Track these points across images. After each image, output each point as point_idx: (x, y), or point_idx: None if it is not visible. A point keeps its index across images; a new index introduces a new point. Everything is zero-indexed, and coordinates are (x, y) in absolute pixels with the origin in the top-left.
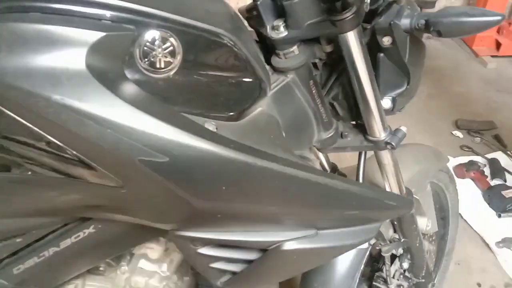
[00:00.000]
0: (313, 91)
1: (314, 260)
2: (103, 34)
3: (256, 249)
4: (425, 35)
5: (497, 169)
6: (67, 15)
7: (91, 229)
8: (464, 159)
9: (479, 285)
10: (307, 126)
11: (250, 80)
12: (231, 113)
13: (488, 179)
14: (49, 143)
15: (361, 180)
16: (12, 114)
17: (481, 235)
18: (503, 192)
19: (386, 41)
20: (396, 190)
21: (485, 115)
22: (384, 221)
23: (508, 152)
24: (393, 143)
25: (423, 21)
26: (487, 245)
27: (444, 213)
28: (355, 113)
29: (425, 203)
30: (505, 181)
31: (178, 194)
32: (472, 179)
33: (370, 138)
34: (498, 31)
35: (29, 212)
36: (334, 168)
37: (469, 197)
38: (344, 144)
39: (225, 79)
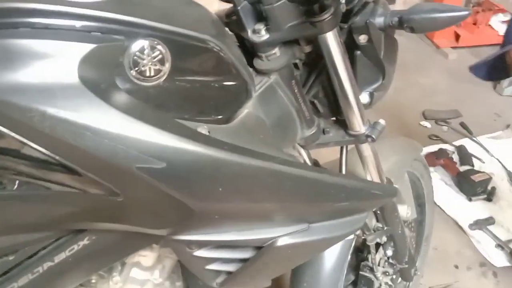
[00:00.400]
0: (295, 91)
1: (307, 254)
2: (93, 46)
3: (251, 247)
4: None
5: (465, 155)
6: (57, 29)
7: (85, 241)
8: (434, 147)
9: (456, 267)
10: (291, 124)
11: (237, 83)
12: (222, 116)
13: (457, 165)
14: (45, 157)
15: (343, 171)
16: (7, 131)
17: (455, 219)
18: (472, 177)
19: (362, 39)
20: (377, 180)
21: (450, 105)
22: (371, 210)
23: (474, 139)
24: (373, 136)
25: (396, 19)
26: (461, 228)
27: (420, 200)
28: (335, 109)
29: (404, 191)
30: (473, 166)
31: (176, 198)
32: (442, 166)
33: (351, 132)
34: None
35: (22, 228)
36: (315, 164)
37: (441, 184)
38: (327, 139)
39: (213, 83)
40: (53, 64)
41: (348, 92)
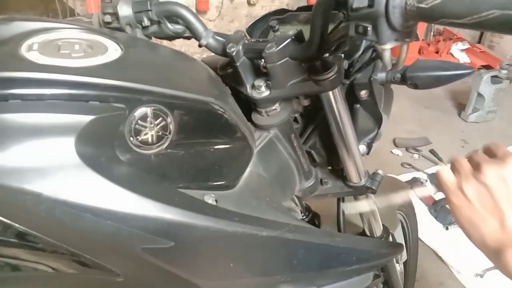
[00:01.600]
0: (295, 144)
1: None
2: (92, 117)
3: None
4: None
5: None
6: (51, 100)
7: None
8: (407, 176)
9: None
10: (290, 177)
11: (241, 143)
12: (227, 181)
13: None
14: (39, 241)
15: (342, 225)
16: None
17: (434, 249)
18: (447, 205)
19: (363, 94)
20: (377, 230)
21: (419, 132)
22: (379, 267)
23: (445, 165)
24: (373, 187)
25: (398, 75)
26: (440, 258)
27: (405, 238)
28: (332, 160)
29: (398, 235)
30: None
31: (184, 278)
32: (418, 196)
33: (350, 183)
34: (419, 52)
35: None
36: (308, 209)
37: (417, 214)
38: (325, 191)
39: (217, 146)
40: (47, 140)
41: (349, 145)
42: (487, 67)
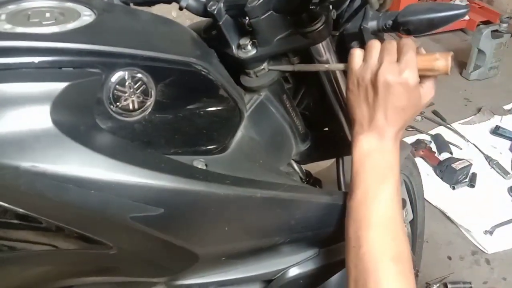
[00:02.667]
0: (287, 105)
1: (319, 280)
2: (66, 84)
3: (259, 281)
4: None
5: (442, 144)
6: (22, 68)
7: None
8: (411, 139)
9: (449, 258)
10: (285, 141)
11: (228, 106)
12: (217, 145)
13: (436, 154)
14: (24, 217)
15: (342, 185)
16: None
17: (441, 210)
18: (453, 165)
19: (355, 45)
20: None
21: None
22: None
23: (449, 126)
24: None
25: (390, 22)
26: (449, 218)
27: (411, 198)
28: (328, 120)
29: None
30: (451, 153)
31: (178, 246)
32: (422, 158)
33: (348, 142)
34: None
35: None
36: (308, 175)
37: (423, 175)
38: (323, 152)
39: (203, 110)
40: (21, 111)
41: (345, 104)
42: (487, 23)
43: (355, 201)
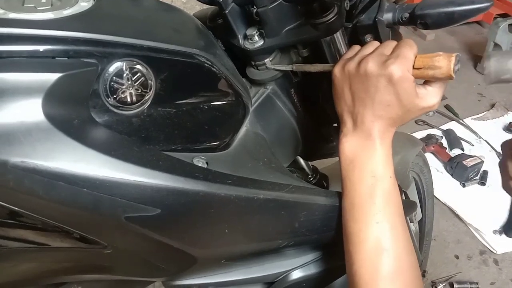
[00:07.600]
0: (295, 99)
1: (322, 283)
2: (59, 75)
3: (260, 283)
4: None
5: (453, 139)
6: (13, 57)
7: None
8: (422, 134)
9: (457, 257)
10: (292, 136)
11: (233, 99)
12: (219, 142)
13: (447, 150)
14: (14, 213)
15: None
16: None
17: (451, 207)
18: (464, 162)
19: (368, 38)
20: None
21: None
22: None
23: (461, 121)
24: None
25: (407, 14)
26: (458, 216)
27: (420, 196)
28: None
29: (410, 194)
30: (463, 150)
31: (175, 248)
32: (433, 153)
33: None
34: None
35: None
36: (315, 171)
37: (433, 172)
38: (332, 149)
39: (206, 104)
40: (11, 103)
41: None
42: (504, 16)
43: (345, 214)
